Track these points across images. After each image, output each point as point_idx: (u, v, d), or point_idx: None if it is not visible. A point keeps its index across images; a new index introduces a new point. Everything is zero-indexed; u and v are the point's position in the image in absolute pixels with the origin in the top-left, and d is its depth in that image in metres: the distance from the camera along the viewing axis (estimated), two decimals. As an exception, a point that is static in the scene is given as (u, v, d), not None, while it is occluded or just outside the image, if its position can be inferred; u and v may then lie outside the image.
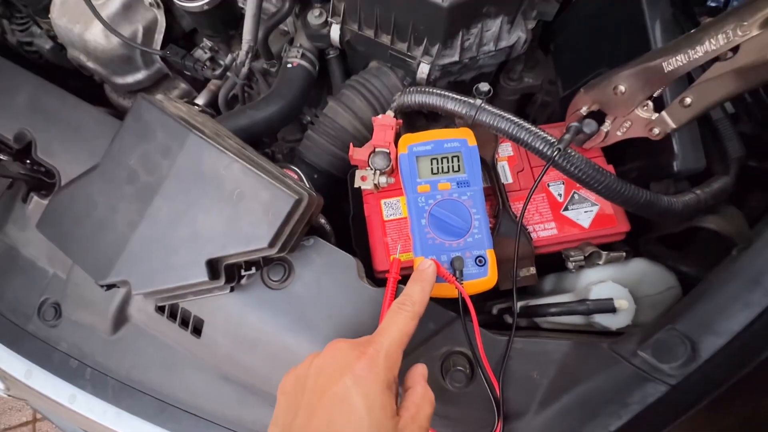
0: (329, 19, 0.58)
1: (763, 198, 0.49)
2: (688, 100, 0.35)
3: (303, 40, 0.65)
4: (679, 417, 0.34)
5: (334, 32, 0.59)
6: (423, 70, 0.57)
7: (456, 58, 0.56)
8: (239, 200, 0.37)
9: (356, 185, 0.47)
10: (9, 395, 0.60)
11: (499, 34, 0.55)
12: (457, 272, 0.40)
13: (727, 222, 0.43)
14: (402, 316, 0.33)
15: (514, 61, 0.70)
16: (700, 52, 0.32)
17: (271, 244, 0.37)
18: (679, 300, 0.45)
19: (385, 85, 0.63)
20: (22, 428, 1.37)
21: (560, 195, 0.49)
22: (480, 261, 0.41)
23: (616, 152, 0.50)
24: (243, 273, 0.40)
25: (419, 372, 0.33)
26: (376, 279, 0.48)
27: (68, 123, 0.50)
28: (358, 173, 0.47)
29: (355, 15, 0.56)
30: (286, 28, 0.70)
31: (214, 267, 0.38)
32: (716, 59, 0.32)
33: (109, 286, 0.41)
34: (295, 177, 0.43)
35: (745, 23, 0.28)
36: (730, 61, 0.31)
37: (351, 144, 0.48)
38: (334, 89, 0.72)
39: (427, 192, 0.44)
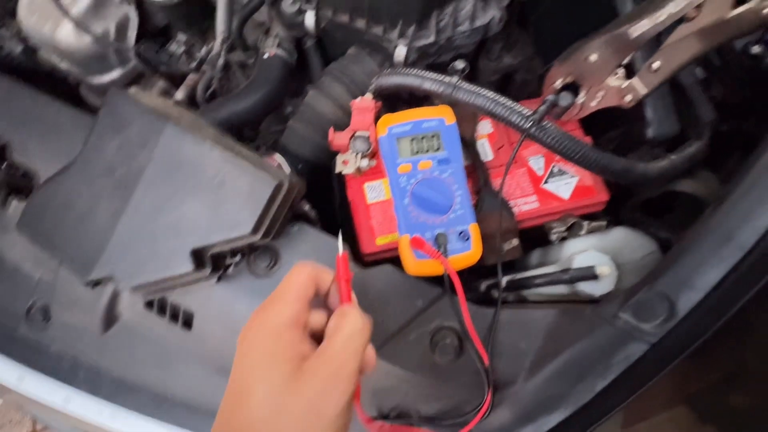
0: (303, 6, 0.58)
1: (737, 160, 0.50)
2: (656, 65, 0.36)
3: (279, 30, 0.65)
4: (661, 372, 0.35)
5: (309, 19, 0.59)
6: (400, 53, 0.57)
7: (432, 39, 0.56)
8: (220, 188, 0.37)
9: (338, 170, 0.47)
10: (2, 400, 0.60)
11: (473, 13, 0.55)
12: (442, 248, 0.40)
13: (702, 185, 0.44)
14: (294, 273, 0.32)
15: (492, 41, 0.70)
16: (663, 15, 0.32)
17: (254, 230, 0.37)
18: (659, 264, 0.47)
19: (364, 70, 0.63)
20: (23, 440, 1.37)
21: (540, 169, 0.49)
22: (464, 236, 0.42)
23: (593, 125, 0.51)
24: (228, 261, 0.40)
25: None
26: (364, 262, 0.48)
27: (43, 122, 0.49)
28: (339, 158, 0.47)
29: (329, 0, 0.56)
30: (262, 19, 0.70)
31: (199, 256, 0.38)
32: (680, 21, 0.32)
33: (95, 283, 0.41)
34: (276, 164, 0.43)
35: (704, -18, 0.29)
36: (694, 22, 0.31)
37: (331, 129, 0.48)
38: (313, 78, 0.72)
39: (408, 171, 0.44)
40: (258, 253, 0.43)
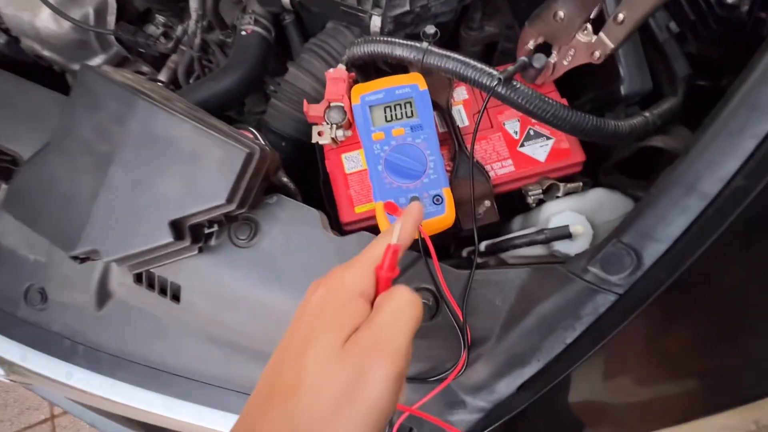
0: (276, -22, 0.57)
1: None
2: (620, 17, 0.36)
3: (255, 6, 0.64)
4: (626, 320, 0.36)
5: (284, -7, 0.59)
6: (375, 23, 0.56)
7: (407, 7, 0.56)
8: (193, 159, 0.38)
9: (313, 140, 0.48)
10: (10, 380, 0.62)
11: (447, -22, 0.54)
12: (415, 212, 0.41)
13: (675, 140, 0.44)
14: (379, 241, 0.30)
15: (472, 9, 0.70)
16: (622, -38, 0.32)
17: (229, 200, 0.38)
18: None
19: (342, 44, 0.62)
20: (41, 426, 1.42)
21: (516, 132, 0.49)
22: (437, 200, 0.43)
23: (568, 87, 0.51)
24: (207, 231, 0.41)
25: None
26: (343, 231, 0.49)
27: (25, 107, 0.50)
28: (315, 128, 0.48)
29: (301, -28, 0.56)
30: (238, -3, 0.69)
31: (178, 227, 0.39)
32: (640, -31, 0.32)
33: (83, 259, 0.42)
34: (250, 136, 0.44)
35: (658, -75, 0.28)
36: (651, -31, 0.31)
37: (305, 101, 0.48)
38: (294, 55, 0.72)
39: (382, 139, 0.45)
40: (238, 224, 0.44)
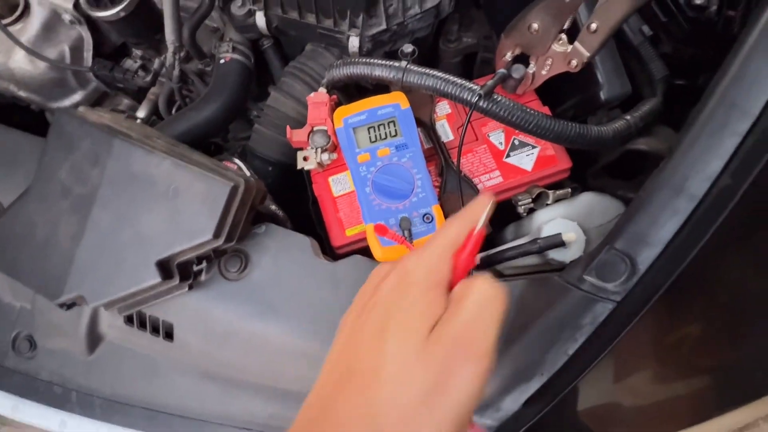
0: (251, 7, 0.57)
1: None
2: (593, 26, 0.36)
3: (232, 34, 0.64)
4: (626, 327, 0.35)
5: (260, 20, 0.59)
6: (353, 43, 0.56)
7: (383, 26, 0.56)
8: (176, 197, 0.37)
9: (299, 167, 0.47)
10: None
11: (421, -5, 0.55)
12: (406, 232, 0.41)
13: (659, 141, 0.45)
14: (451, 225, 0.28)
15: (449, 22, 0.70)
16: (591, -25, 0.32)
17: (216, 235, 0.38)
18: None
19: (322, 65, 0.63)
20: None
21: (501, 143, 0.49)
22: (427, 218, 0.42)
23: (550, 95, 0.51)
24: (196, 268, 0.40)
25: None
26: (336, 255, 0.48)
27: (1, 152, 0.49)
28: (300, 154, 0.47)
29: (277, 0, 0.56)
30: (215, 24, 0.69)
31: (165, 267, 0.38)
32: (609, -20, 0.32)
33: (69, 306, 0.41)
34: (234, 167, 0.43)
35: (622, -62, 0.29)
36: (620, -21, 0.31)
37: (288, 127, 0.48)
38: (275, 79, 0.71)
39: (367, 161, 0.44)
40: (227, 257, 0.43)
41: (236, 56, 0.62)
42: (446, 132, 0.51)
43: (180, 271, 0.39)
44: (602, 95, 0.45)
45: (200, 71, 0.66)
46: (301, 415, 0.24)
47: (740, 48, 0.35)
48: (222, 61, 0.62)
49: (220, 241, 0.38)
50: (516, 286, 0.42)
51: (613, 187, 0.52)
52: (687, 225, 0.34)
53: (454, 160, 0.49)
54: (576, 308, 0.37)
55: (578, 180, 0.53)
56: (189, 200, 0.37)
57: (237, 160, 0.46)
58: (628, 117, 0.44)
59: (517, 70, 0.46)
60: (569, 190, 0.48)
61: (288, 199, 0.59)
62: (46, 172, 0.38)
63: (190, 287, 0.42)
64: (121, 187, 0.37)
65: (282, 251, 0.44)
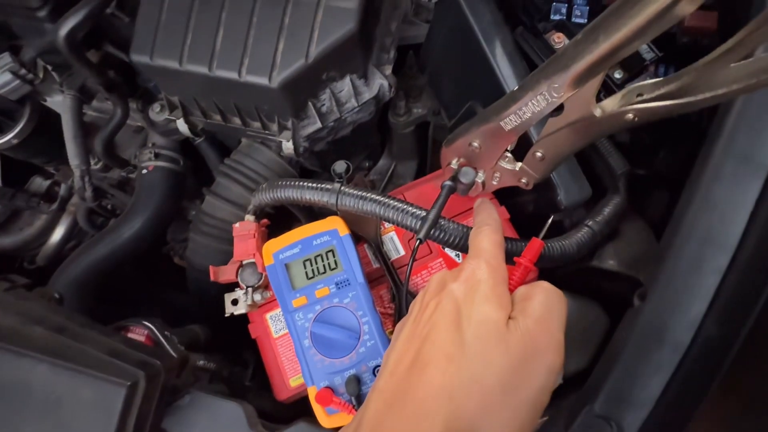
0: (169, 116, 0.51)
1: (662, 197, 0.47)
2: (539, 154, 0.31)
3: (156, 138, 0.58)
4: None
5: (182, 126, 0.53)
6: (287, 146, 0.51)
7: (318, 125, 0.51)
8: (58, 407, 0.30)
9: (228, 313, 0.40)
10: None
11: (355, 90, 0.50)
12: (353, 398, 0.34)
13: (629, 245, 0.40)
14: (484, 232, 0.31)
15: (396, 98, 0.66)
16: (528, 112, 0.28)
17: (115, 445, 0.30)
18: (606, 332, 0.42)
19: (260, 162, 0.57)
20: None
21: (458, 255, 0.44)
22: (378, 372, 0.36)
23: (509, 189, 0.46)
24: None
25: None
26: (285, 408, 0.41)
27: None
28: (228, 297, 0.41)
29: (194, 106, 0.50)
30: (138, 124, 0.63)
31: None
32: (550, 115, 0.28)
33: None
34: (144, 336, 0.36)
35: (556, 85, 0.24)
36: (561, 117, 0.27)
37: (211, 267, 0.41)
38: (213, 170, 0.65)
39: (304, 305, 0.38)
40: (143, 446, 0.36)
41: (160, 163, 0.56)
42: (396, 247, 0.45)
43: (75, 489, 0.32)
44: (561, 201, 0.40)
45: (122, 180, 0.59)
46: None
47: (704, 167, 0.31)
48: (144, 171, 0.55)
49: (121, 450, 0.31)
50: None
51: (586, 280, 0.47)
52: (674, 381, 0.29)
53: (409, 278, 0.43)
54: (560, 484, 0.31)
55: (546, 277, 0.48)
56: (75, 410, 0.30)
57: (147, 324, 0.39)
58: (592, 224, 0.40)
59: (466, 175, 0.41)
60: (539, 300, 0.43)
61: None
62: None
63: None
64: (-14, 405, 0.30)
65: (211, 422, 0.37)
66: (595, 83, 0.23)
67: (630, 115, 0.22)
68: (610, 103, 0.24)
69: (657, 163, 0.45)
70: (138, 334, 0.38)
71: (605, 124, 0.25)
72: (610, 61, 0.21)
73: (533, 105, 0.27)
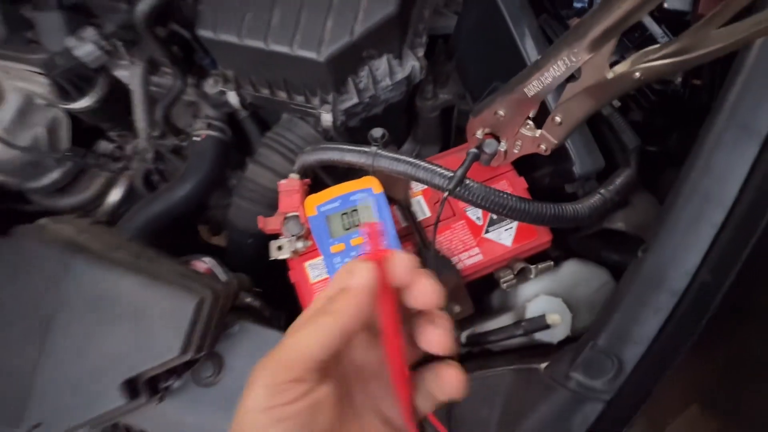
0: (223, 88, 0.57)
1: (673, 176, 0.50)
2: (558, 119, 0.35)
3: (208, 110, 0.64)
4: (621, 428, 0.33)
5: (233, 99, 0.59)
6: (326, 119, 0.56)
7: (356, 100, 0.56)
8: (140, 315, 0.36)
9: (273, 257, 0.46)
10: None
11: (390, 69, 0.55)
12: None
13: (638, 213, 0.44)
14: (311, 329, 0.21)
15: (423, 82, 0.71)
16: (549, 77, 0.32)
17: (184, 351, 0.36)
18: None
19: (298, 135, 0.62)
20: None
21: (479, 218, 0.48)
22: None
23: (526, 161, 0.50)
24: (165, 384, 0.38)
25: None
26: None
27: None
28: (273, 244, 0.46)
29: (246, 79, 0.56)
30: (191, 99, 0.69)
31: (131, 387, 0.37)
32: (568, 80, 0.32)
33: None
34: (205, 268, 0.42)
35: (575, 50, 0.29)
36: (579, 83, 0.31)
37: (260, 217, 0.47)
38: (254, 146, 0.71)
39: (342, 251, 0.43)
40: (201, 363, 0.42)
41: (211, 132, 0.62)
42: (422, 209, 0.50)
43: (148, 388, 0.38)
44: (575, 171, 0.44)
45: (176, 147, 0.65)
46: None
47: (707, 136, 0.34)
48: (197, 138, 0.61)
49: (188, 356, 0.37)
50: (502, 378, 0.40)
51: (597, 248, 0.51)
52: (670, 322, 0.33)
53: (431, 238, 0.48)
54: (565, 409, 0.35)
55: (560, 243, 0.52)
56: (154, 318, 0.36)
57: (208, 260, 0.45)
58: (604, 191, 0.43)
59: (490, 145, 0.45)
60: (551, 263, 0.47)
61: (270, 266, 0.58)
62: (2, 297, 0.37)
63: (161, 399, 0.40)
64: (81, 309, 0.36)
65: (257, 351, 0.42)
66: (609, 48, 0.27)
67: (637, 74, 0.27)
68: (621, 67, 0.28)
69: (670, 144, 0.49)
70: (198, 267, 0.44)
71: (615, 85, 0.29)
72: (623, 25, 0.25)
73: (554, 70, 0.31)
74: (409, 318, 0.23)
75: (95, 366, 0.36)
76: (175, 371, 0.39)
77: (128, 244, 0.41)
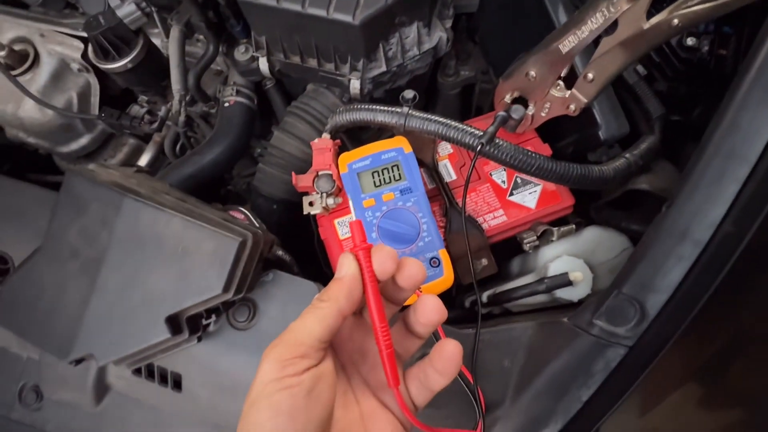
0: (254, 53, 0.59)
1: (694, 148, 0.51)
2: (590, 76, 0.37)
3: (236, 77, 0.66)
4: (641, 374, 0.35)
5: (263, 65, 0.60)
6: (355, 86, 0.58)
7: (384, 68, 0.58)
8: (185, 254, 0.38)
9: (305, 212, 0.48)
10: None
11: (419, 38, 0.56)
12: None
13: (660, 179, 0.45)
14: (313, 314, 0.26)
15: (446, 57, 0.72)
16: (585, 31, 0.33)
17: (225, 290, 0.38)
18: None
19: (324, 105, 0.64)
20: None
21: (504, 182, 0.50)
22: (434, 262, 0.42)
23: (550, 131, 0.52)
24: (205, 322, 0.40)
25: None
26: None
27: (9, 207, 0.49)
28: (306, 199, 0.48)
29: (278, 45, 0.57)
30: (219, 68, 0.71)
31: (174, 322, 0.39)
32: (603, 34, 0.33)
33: (78, 361, 0.41)
34: (242, 217, 0.44)
35: (615, 0, 0.30)
36: (614, 36, 0.33)
37: (293, 173, 0.49)
38: (278, 117, 0.73)
39: (373, 206, 0.45)
40: (236, 307, 0.43)
41: (240, 99, 0.64)
42: (449, 172, 0.51)
43: (189, 325, 0.39)
44: (601, 135, 0.45)
45: (205, 113, 0.67)
46: None
47: (733, 96, 0.36)
48: (226, 104, 0.63)
49: (229, 295, 0.38)
50: (525, 330, 0.42)
51: (617, 218, 0.52)
52: (693, 271, 0.34)
53: (458, 200, 0.49)
54: (587, 354, 0.37)
55: (582, 213, 0.53)
56: (198, 257, 0.38)
57: (244, 210, 0.47)
58: (628, 155, 0.45)
59: (517, 111, 0.47)
60: (573, 226, 0.49)
61: (293, 235, 0.60)
62: (56, 234, 0.39)
63: (199, 339, 0.42)
64: (130, 247, 0.38)
65: (289, 298, 0.44)
66: (647, -2, 0.29)
67: (675, 21, 0.28)
68: (659, 16, 0.29)
69: (693, 116, 0.50)
70: (236, 216, 0.46)
71: (652, 35, 0.30)
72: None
73: (591, 23, 0.32)
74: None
75: (142, 301, 0.38)
76: (214, 312, 0.41)
77: (172, 190, 0.43)
